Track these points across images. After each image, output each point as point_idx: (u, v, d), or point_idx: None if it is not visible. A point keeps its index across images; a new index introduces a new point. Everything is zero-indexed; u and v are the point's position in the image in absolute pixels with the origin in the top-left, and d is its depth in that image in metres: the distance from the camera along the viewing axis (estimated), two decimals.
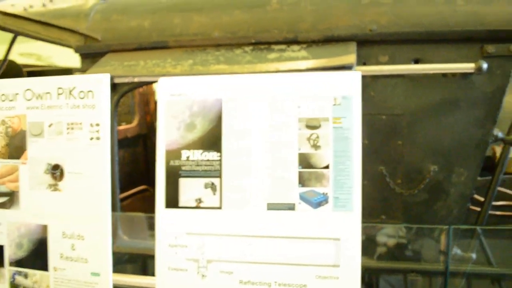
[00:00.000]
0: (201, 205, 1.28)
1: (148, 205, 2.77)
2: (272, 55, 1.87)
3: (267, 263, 1.23)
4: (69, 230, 1.29)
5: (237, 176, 1.26)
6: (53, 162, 1.29)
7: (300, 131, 1.24)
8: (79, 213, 1.28)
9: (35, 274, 1.33)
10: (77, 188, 1.27)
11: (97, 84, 1.24)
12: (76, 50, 2.21)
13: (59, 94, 1.28)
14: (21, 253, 1.35)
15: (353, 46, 1.80)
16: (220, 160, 1.27)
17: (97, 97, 1.25)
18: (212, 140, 1.28)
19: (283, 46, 1.90)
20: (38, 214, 1.32)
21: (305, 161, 1.24)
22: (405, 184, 1.74)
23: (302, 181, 1.23)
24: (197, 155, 1.28)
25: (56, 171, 1.29)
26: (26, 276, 1.34)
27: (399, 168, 1.75)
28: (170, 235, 1.29)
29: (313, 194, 1.23)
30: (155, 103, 3.29)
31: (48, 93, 1.29)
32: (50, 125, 1.29)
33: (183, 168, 1.29)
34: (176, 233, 1.29)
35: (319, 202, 1.22)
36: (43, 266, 1.32)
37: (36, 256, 1.33)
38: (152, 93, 3.07)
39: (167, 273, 1.27)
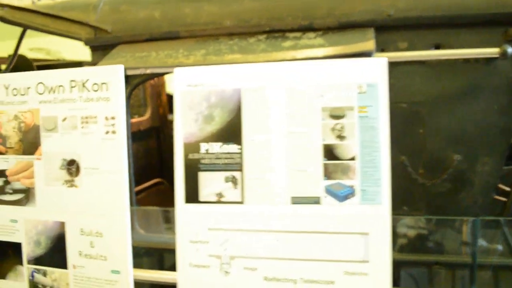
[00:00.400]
0: (222, 199, 1.21)
1: (163, 199, 2.72)
2: (287, 43, 1.78)
3: (292, 259, 1.16)
4: (87, 227, 1.22)
5: (259, 169, 1.18)
6: (69, 158, 1.22)
7: (323, 121, 1.16)
8: (96, 210, 1.21)
9: (54, 272, 1.27)
10: (93, 183, 1.20)
11: (111, 76, 1.17)
12: (86, 43, 2.12)
13: (72, 87, 1.21)
14: (39, 251, 1.28)
15: (371, 32, 1.71)
16: (240, 153, 1.19)
17: (111, 89, 1.17)
18: (231, 132, 1.20)
19: (298, 34, 1.81)
20: (55, 211, 1.25)
21: (329, 153, 1.16)
22: (428, 174, 1.66)
23: (327, 174, 1.15)
24: (217, 148, 1.21)
25: (72, 167, 1.22)
26: (45, 274, 1.28)
27: (421, 158, 1.66)
28: (191, 231, 1.22)
29: (339, 187, 1.15)
30: (167, 95, 3.22)
31: (60, 86, 1.22)
32: (64, 119, 1.22)
33: (202, 161, 1.21)
34: (197, 228, 1.22)
35: (346, 195, 1.15)
36: (62, 264, 1.26)
37: (55, 253, 1.26)
38: (164, 85, 2.99)
39: (188, 269, 1.21)
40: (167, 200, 2.91)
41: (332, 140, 1.16)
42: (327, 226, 1.15)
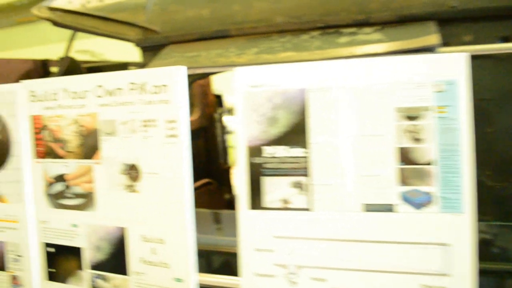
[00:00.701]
0: (288, 206, 1.12)
1: (211, 199, 2.66)
2: (343, 39, 1.67)
3: (364, 270, 1.06)
4: (148, 233, 1.16)
5: (328, 174, 1.09)
6: (129, 162, 1.17)
7: (397, 122, 1.05)
8: (158, 216, 1.14)
9: (115, 278, 1.22)
10: (155, 189, 1.14)
11: (172, 78, 1.10)
12: (137, 44, 2.08)
13: (131, 89, 1.14)
14: (100, 256, 1.24)
15: (433, 26, 1.58)
16: (307, 157, 1.10)
17: (172, 91, 1.10)
18: (297, 134, 1.11)
19: (353, 29, 1.70)
20: (116, 217, 1.20)
21: (404, 157, 1.05)
22: (496, 176, 1.52)
23: (402, 179, 1.05)
24: (281, 151, 1.12)
25: (133, 172, 1.16)
26: (106, 279, 1.23)
27: (489, 159, 1.53)
28: (255, 238, 1.14)
29: (415, 193, 1.05)
30: (214, 95, 3.16)
31: (119, 89, 1.16)
32: (123, 123, 1.16)
33: (266, 166, 1.13)
34: (261, 236, 1.14)
35: (423, 202, 1.04)
36: (123, 270, 1.20)
37: (116, 259, 1.21)
38: (209, 84, 2.93)
39: (253, 278, 1.13)
40: (216, 200, 2.86)
41: (407, 143, 1.05)
42: (402, 235, 1.05)
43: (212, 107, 2.93)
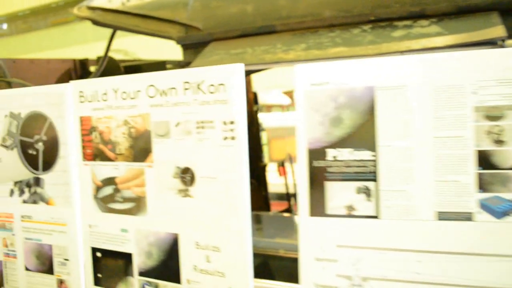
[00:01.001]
0: (353, 213, 1.03)
1: (254, 198, 2.57)
2: (398, 33, 1.56)
3: (438, 283, 0.97)
4: (203, 240, 1.10)
5: (397, 179, 1.00)
6: (183, 165, 1.10)
7: (477, 123, 0.95)
8: (213, 222, 1.07)
9: (167, 286, 1.15)
10: (210, 194, 1.07)
11: (230, 76, 1.02)
12: (178, 41, 2.02)
13: (185, 89, 1.08)
14: (150, 263, 1.18)
15: (495, 17, 1.45)
16: (375, 160, 1.01)
17: (230, 90, 1.02)
18: (363, 136, 1.02)
19: (408, 22, 1.59)
20: (168, 222, 1.14)
21: (485, 161, 0.94)
22: None
23: (482, 185, 0.94)
24: (346, 154, 1.03)
25: (186, 175, 1.09)
26: (156, 287, 1.17)
27: None
28: (317, 247, 1.06)
29: (497, 201, 0.94)
30: (252, 92, 3.08)
31: (173, 88, 1.09)
32: (177, 124, 1.10)
33: (330, 170, 1.04)
34: (323, 245, 1.05)
35: (505, 211, 0.93)
36: (175, 278, 1.14)
37: (167, 266, 1.15)
38: (249, 82, 2.85)
39: None
40: (256, 199, 2.78)
41: (488, 146, 0.94)
42: (481, 246, 0.95)
43: (250, 105, 2.86)
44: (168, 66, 2.96)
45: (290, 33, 1.78)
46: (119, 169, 1.20)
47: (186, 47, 2.03)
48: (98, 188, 1.25)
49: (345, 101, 1.03)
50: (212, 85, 1.04)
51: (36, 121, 1.37)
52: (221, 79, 1.03)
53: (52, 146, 1.35)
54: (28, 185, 1.41)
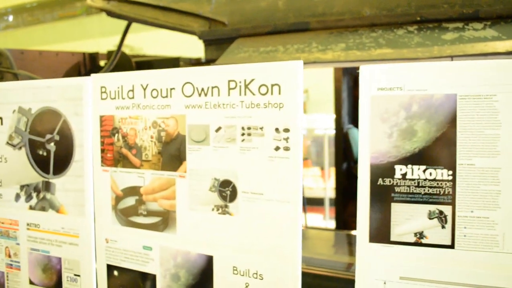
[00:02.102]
0: (423, 241, 0.86)
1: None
2: (449, 36, 1.40)
3: None
4: (242, 265, 0.92)
5: (479, 203, 0.83)
6: (222, 177, 0.92)
7: None
8: (256, 245, 0.90)
9: None
10: (254, 213, 0.89)
11: (286, 75, 0.85)
12: (200, 36, 1.84)
13: (230, 88, 0.90)
14: (177, 287, 1.00)
15: None
16: (452, 181, 0.84)
17: (286, 92, 0.85)
18: (440, 152, 0.85)
19: (459, 24, 1.42)
20: (201, 242, 0.96)
21: None
22: None
23: None
24: (418, 172, 0.86)
25: (226, 189, 0.92)
26: None
27: None
28: (376, 278, 0.89)
29: None
30: None
31: (215, 87, 0.92)
32: (217, 130, 0.92)
33: (397, 189, 0.87)
34: (384, 276, 0.88)
35: None
36: None
37: None
38: None
39: None
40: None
41: None
42: None
43: None
44: (182, 63, 2.79)
45: (326, 31, 1.60)
46: (144, 177, 1.02)
47: (208, 43, 1.86)
48: (118, 198, 1.07)
49: (420, 110, 0.86)
50: (263, 85, 0.87)
51: (48, 118, 1.19)
52: (276, 79, 0.85)
53: (66, 147, 1.17)
54: (37, 190, 1.22)
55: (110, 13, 2.03)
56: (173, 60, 2.75)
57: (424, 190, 0.86)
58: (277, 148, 0.86)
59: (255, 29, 1.72)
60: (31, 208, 1.23)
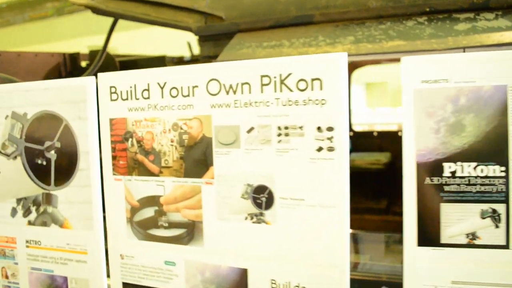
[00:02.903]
0: (476, 242, 0.80)
1: None
2: (461, 26, 1.35)
3: None
4: (281, 277, 0.84)
5: None
6: (256, 183, 0.84)
7: None
8: (298, 254, 0.82)
9: None
10: (295, 219, 0.81)
11: (329, 69, 0.77)
12: (196, 32, 1.74)
13: (264, 84, 0.81)
14: None
15: None
16: (505, 177, 0.78)
17: (328, 88, 0.77)
18: (491, 147, 0.79)
19: (470, 15, 1.38)
20: (233, 254, 0.87)
21: None
22: None
23: None
24: (469, 169, 0.80)
25: (261, 196, 0.83)
26: None
27: None
28: (426, 284, 0.82)
29: None
30: None
31: (245, 84, 0.83)
32: (249, 130, 0.83)
33: (447, 188, 0.81)
34: (435, 280, 0.82)
35: None
36: None
37: None
38: None
39: None
40: None
41: None
42: None
43: None
44: (168, 62, 2.67)
45: (331, 24, 1.54)
46: (164, 186, 0.92)
47: (205, 39, 1.76)
48: (134, 210, 0.96)
49: (469, 103, 0.80)
50: (302, 80, 0.78)
51: (47, 124, 1.07)
52: (317, 73, 0.77)
53: (69, 155, 1.05)
54: (36, 203, 1.10)
55: (96, 10, 1.89)
56: (159, 59, 2.63)
57: (475, 188, 0.80)
58: (319, 149, 0.78)
59: (255, 23, 1.63)
60: (30, 223, 1.11)
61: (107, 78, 0.96)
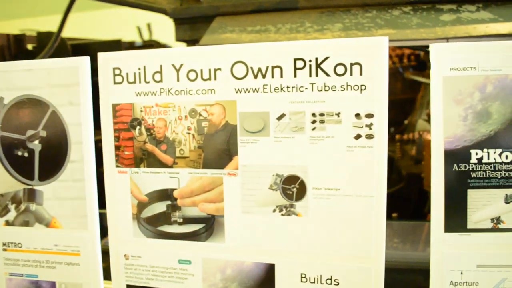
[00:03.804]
0: (500, 226, 0.82)
1: None
2: (446, 17, 1.39)
3: None
4: (312, 271, 0.80)
5: None
6: (286, 173, 0.79)
7: None
8: (331, 247, 0.79)
9: None
10: (328, 210, 0.78)
11: (370, 53, 0.74)
12: (172, 15, 1.64)
13: (297, 68, 0.76)
14: None
15: None
16: None
17: (369, 72, 0.74)
18: None
19: (453, 6, 1.43)
20: (258, 249, 0.82)
21: None
22: None
23: None
24: (494, 156, 0.82)
25: (292, 186, 0.79)
26: None
27: None
28: (452, 268, 0.83)
29: None
30: None
31: (277, 67, 0.77)
32: (280, 117, 0.78)
33: (473, 175, 0.82)
34: (461, 266, 0.83)
35: None
36: None
37: None
38: None
39: None
40: None
41: None
42: None
43: None
44: (124, 45, 2.50)
45: (317, 11, 1.51)
46: (179, 178, 0.84)
47: (180, 22, 1.65)
48: (141, 205, 0.87)
49: (495, 91, 0.81)
50: (341, 64, 0.74)
51: (29, 110, 0.94)
52: (356, 57, 0.74)
53: (57, 145, 0.93)
54: (16, 201, 0.97)
55: None
56: (114, 43, 2.45)
57: (500, 174, 0.82)
58: (357, 136, 0.75)
59: (236, 7, 1.56)
60: (8, 223, 0.97)
61: (110, 58, 0.85)
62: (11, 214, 0.97)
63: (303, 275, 0.81)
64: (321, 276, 0.80)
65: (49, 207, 0.95)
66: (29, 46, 2.29)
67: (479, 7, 1.40)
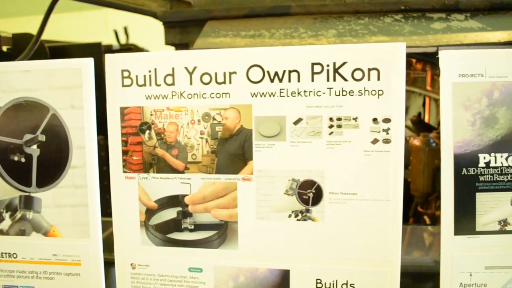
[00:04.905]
0: (507, 228, 0.85)
1: None
2: (437, 25, 1.44)
3: None
4: (328, 276, 0.80)
5: None
6: (303, 178, 0.79)
7: None
8: (347, 252, 0.79)
9: None
10: (345, 215, 0.78)
11: (388, 58, 0.75)
12: (161, 18, 1.61)
13: (315, 73, 0.77)
14: None
15: None
16: None
17: (386, 78, 0.75)
18: None
19: (442, 15, 1.48)
20: (273, 255, 0.81)
21: None
22: None
23: None
24: (501, 160, 0.84)
25: (308, 191, 0.79)
26: None
27: None
28: (462, 271, 0.85)
29: None
30: None
31: (294, 71, 0.77)
32: (297, 121, 0.78)
33: (482, 178, 0.84)
34: (471, 268, 0.85)
35: None
36: None
37: None
38: None
39: None
40: None
41: None
42: None
43: None
44: (104, 50, 2.44)
45: (309, 17, 1.53)
46: (191, 183, 0.83)
47: (171, 25, 1.63)
48: (150, 212, 0.85)
49: (501, 97, 0.84)
50: (358, 69, 0.75)
51: (27, 114, 0.90)
52: (374, 62, 0.75)
53: (57, 150, 0.90)
54: (10, 209, 0.92)
55: None
56: (95, 46, 2.39)
57: (507, 178, 0.85)
58: (375, 141, 0.76)
59: (229, 11, 1.56)
60: (2, 233, 0.93)
61: (118, 60, 0.83)
62: (5, 223, 0.92)
63: (318, 281, 0.81)
64: (336, 281, 0.80)
65: (47, 215, 0.91)
66: (4, 48, 2.20)
67: (467, 16, 1.45)
